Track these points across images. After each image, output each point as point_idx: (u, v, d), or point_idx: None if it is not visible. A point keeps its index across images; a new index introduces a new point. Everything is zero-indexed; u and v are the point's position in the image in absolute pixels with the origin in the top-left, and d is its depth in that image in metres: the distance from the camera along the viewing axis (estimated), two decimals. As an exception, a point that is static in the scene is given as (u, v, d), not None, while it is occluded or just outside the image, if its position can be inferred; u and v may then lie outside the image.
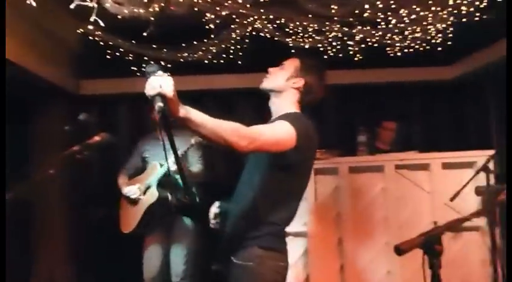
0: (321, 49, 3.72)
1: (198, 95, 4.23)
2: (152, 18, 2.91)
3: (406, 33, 3.53)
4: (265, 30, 3.46)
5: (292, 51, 3.49)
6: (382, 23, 3.45)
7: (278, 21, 3.43)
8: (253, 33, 3.55)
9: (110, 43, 3.49)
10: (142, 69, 3.74)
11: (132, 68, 3.74)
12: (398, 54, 3.75)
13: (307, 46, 3.62)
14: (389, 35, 3.55)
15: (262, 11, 3.25)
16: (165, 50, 3.63)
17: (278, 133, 1.65)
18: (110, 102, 4.52)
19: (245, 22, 3.38)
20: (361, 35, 3.54)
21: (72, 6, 2.61)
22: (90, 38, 3.39)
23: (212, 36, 3.51)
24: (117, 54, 3.61)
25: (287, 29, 3.52)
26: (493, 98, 4.14)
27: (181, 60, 3.69)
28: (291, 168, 1.69)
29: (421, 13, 3.28)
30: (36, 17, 3.39)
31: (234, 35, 3.52)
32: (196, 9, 3.10)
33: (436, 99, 4.75)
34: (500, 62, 3.91)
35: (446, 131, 4.71)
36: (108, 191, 4.16)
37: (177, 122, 1.44)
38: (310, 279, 3.06)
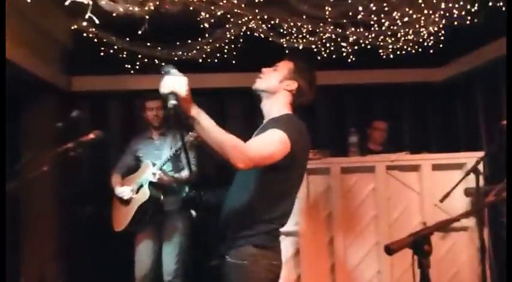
0: (315, 50, 3.75)
1: (191, 93, 4.24)
2: (147, 17, 2.91)
3: (399, 35, 3.58)
4: (259, 30, 3.48)
5: (286, 52, 3.51)
6: (375, 25, 3.49)
7: (272, 22, 3.45)
8: (247, 33, 3.56)
9: (104, 40, 3.48)
10: (137, 67, 3.74)
11: (125, 65, 3.73)
12: (391, 55, 3.79)
13: (300, 47, 3.64)
14: (382, 36, 3.59)
15: (256, 11, 3.27)
16: (159, 48, 3.63)
17: (273, 146, 1.67)
18: (102, 99, 4.50)
19: (239, 22, 3.39)
20: (354, 37, 3.57)
21: (66, 3, 2.60)
22: (84, 34, 3.38)
23: (206, 35, 3.52)
24: (111, 51, 3.60)
25: (281, 30, 3.54)
26: (482, 100, 4.20)
27: (175, 58, 3.69)
28: (285, 169, 1.70)
29: (414, 16, 3.33)
30: (29, 12, 3.37)
31: (228, 35, 3.53)
32: (191, 8, 3.10)
33: (427, 101, 4.81)
34: (490, 64, 3.98)
35: (436, 132, 4.77)
36: (98, 188, 4.16)
37: (187, 120, 1.51)
38: (302, 279, 3.08)
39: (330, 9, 3.22)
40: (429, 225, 1.47)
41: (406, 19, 3.37)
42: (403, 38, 3.60)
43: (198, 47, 3.64)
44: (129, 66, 3.74)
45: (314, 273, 3.09)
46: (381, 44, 3.67)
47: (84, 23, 3.11)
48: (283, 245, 1.95)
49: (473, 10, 3.31)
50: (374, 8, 3.27)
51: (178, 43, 3.61)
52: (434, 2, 3.22)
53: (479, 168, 2.87)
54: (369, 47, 3.71)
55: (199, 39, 3.57)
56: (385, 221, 3.14)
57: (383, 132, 4.10)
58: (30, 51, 3.51)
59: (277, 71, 1.92)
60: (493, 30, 3.72)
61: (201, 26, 3.36)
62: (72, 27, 3.31)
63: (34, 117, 3.97)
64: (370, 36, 3.56)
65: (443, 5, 3.25)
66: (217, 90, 4.35)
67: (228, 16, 3.33)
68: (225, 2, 3.13)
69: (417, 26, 3.46)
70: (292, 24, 3.45)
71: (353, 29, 3.49)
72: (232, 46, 3.71)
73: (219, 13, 3.21)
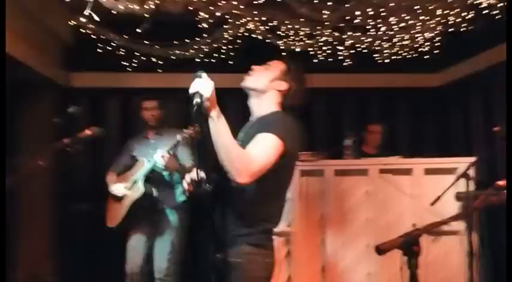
0: (312, 53, 3.79)
1: (188, 93, 4.26)
2: (146, 15, 2.93)
3: (395, 40, 3.62)
4: (258, 31, 3.51)
5: (283, 54, 3.53)
6: (372, 30, 3.53)
7: (270, 24, 3.48)
8: (246, 34, 3.59)
9: (102, 37, 3.50)
10: (134, 65, 3.76)
11: (124, 62, 3.74)
12: (387, 60, 3.83)
13: (298, 49, 3.68)
14: (378, 41, 3.63)
15: (255, 12, 3.30)
16: (157, 46, 3.64)
17: (270, 158, 1.69)
18: (100, 95, 4.51)
19: (238, 23, 3.42)
20: (351, 41, 3.61)
21: (67, -1, 2.61)
22: (83, 30, 3.40)
23: (205, 35, 3.54)
24: (109, 48, 3.61)
25: (279, 32, 3.57)
26: (476, 106, 4.25)
27: (173, 57, 3.71)
28: (279, 168, 1.73)
29: (410, 21, 3.37)
30: (29, 7, 3.37)
31: (226, 35, 3.56)
32: (190, 7, 3.12)
33: (421, 106, 4.85)
34: (485, 71, 4.04)
35: (430, 137, 4.81)
36: (93, 185, 4.17)
37: (207, 118, 1.63)
38: (292, 279, 3.11)
39: (328, 13, 3.26)
40: (419, 227, 1.50)
41: (402, 24, 3.41)
42: (399, 43, 3.64)
43: (196, 47, 3.66)
44: (127, 63, 3.75)
45: (305, 274, 3.12)
46: (378, 48, 3.71)
47: (84, 20, 3.13)
48: (275, 245, 1.97)
49: (468, 17, 3.35)
50: (371, 13, 3.31)
51: (176, 42, 3.63)
52: (430, 9, 3.27)
53: (470, 174, 2.91)
54: (365, 51, 3.75)
55: (198, 39, 3.59)
56: (377, 224, 3.17)
57: (378, 136, 4.13)
58: (29, 46, 3.52)
59: (269, 71, 1.92)
60: (488, 37, 3.78)
61: (200, 26, 3.39)
62: (72, 23, 3.32)
63: (32, 112, 3.97)
64: (366, 40, 3.60)
65: (439, 12, 3.30)
66: (215, 90, 4.36)
67: (227, 17, 3.36)
68: (224, 2, 3.16)
69: (413, 31, 3.50)
70: (290, 26, 3.48)
71: (350, 33, 3.52)
72: (230, 47, 3.74)
73: (218, 13, 3.24)
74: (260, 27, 3.47)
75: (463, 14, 3.32)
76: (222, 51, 3.77)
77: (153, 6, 2.95)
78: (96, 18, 2.80)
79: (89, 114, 4.25)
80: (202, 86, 1.62)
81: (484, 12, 3.23)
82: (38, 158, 2.05)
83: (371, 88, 4.70)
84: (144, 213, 3.28)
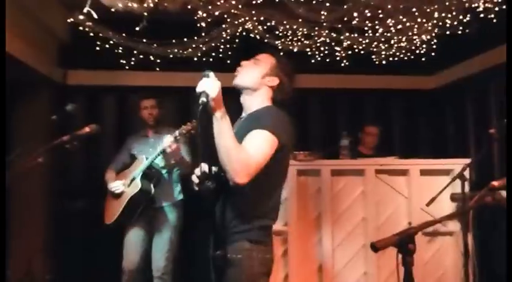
0: (309, 53, 3.80)
1: (185, 92, 4.27)
2: (145, 14, 2.93)
3: (392, 42, 3.64)
4: (256, 31, 3.52)
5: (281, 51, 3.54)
6: (369, 31, 3.55)
7: (268, 23, 3.49)
8: (244, 33, 3.60)
9: (100, 34, 3.49)
10: (132, 63, 3.76)
11: (121, 60, 3.74)
12: (384, 62, 3.85)
13: (295, 49, 3.69)
14: (375, 43, 3.65)
15: (253, 12, 3.31)
16: (155, 45, 3.64)
17: (266, 155, 1.70)
18: (97, 93, 4.50)
19: (236, 22, 3.43)
20: (349, 42, 3.63)
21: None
22: (80, 28, 3.39)
23: (203, 34, 3.54)
24: (107, 46, 3.60)
25: (277, 32, 3.58)
26: (471, 109, 4.28)
27: (171, 56, 3.71)
28: (275, 162, 1.74)
29: (407, 24, 3.39)
30: (26, 3, 3.37)
31: (224, 34, 3.56)
32: (188, 6, 3.13)
33: (417, 107, 4.89)
34: (480, 74, 4.07)
35: (425, 139, 4.85)
36: (90, 182, 4.16)
37: (212, 117, 1.65)
38: (289, 278, 3.12)
39: (326, 13, 3.27)
40: (414, 225, 1.51)
41: (399, 27, 3.43)
42: (396, 45, 3.66)
43: (194, 46, 3.66)
44: (124, 61, 3.75)
45: (302, 273, 3.13)
46: (374, 50, 3.73)
47: (81, 17, 3.12)
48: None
49: (465, 21, 3.38)
50: (369, 15, 3.33)
51: (174, 41, 3.63)
52: (427, 11, 3.29)
53: (465, 175, 2.94)
54: (362, 52, 3.77)
55: (196, 37, 3.60)
56: (373, 224, 3.19)
57: (375, 137, 4.16)
58: (26, 43, 3.51)
59: (259, 66, 1.90)
60: (483, 41, 3.81)
61: (198, 25, 3.39)
62: (70, 21, 3.32)
63: (28, 109, 3.96)
64: (364, 42, 3.62)
65: (436, 15, 3.32)
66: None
67: (225, 16, 3.37)
68: (222, 2, 3.16)
69: (410, 33, 3.53)
70: (288, 26, 3.49)
71: (347, 34, 3.54)
72: (228, 46, 3.74)
73: (216, 13, 3.25)
74: (258, 27, 3.48)
75: (459, 17, 3.36)
76: (219, 50, 3.77)
77: (152, 5, 2.96)
78: (95, 15, 2.80)
79: (85, 112, 4.25)
80: (209, 85, 1.63)
81: (480, 15, 3.26)
82: (36, 155, 2.05)
83: (368, 89, 4.72)
84: (141, 210, 3.27)
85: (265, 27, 3.52)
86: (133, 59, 3.70)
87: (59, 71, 4.27)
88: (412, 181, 3.26)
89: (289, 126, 1.82)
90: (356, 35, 3.56)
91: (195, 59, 3.77)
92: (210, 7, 3.19)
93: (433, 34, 3.57)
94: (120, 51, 3.66)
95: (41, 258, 3.87)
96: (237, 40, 3.66)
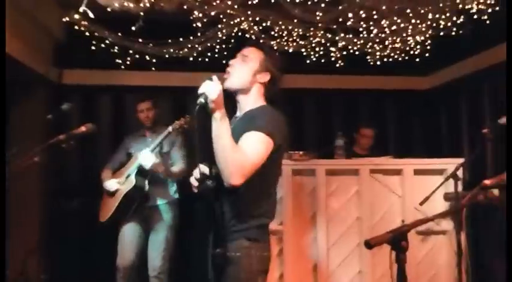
0: (304, 54, 3.83)
1: (181, 91, 4.28)
2: (141, 13, 2.94)
3: (386, 43, 3.67)
4: (251, 31, 3.54)
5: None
6: (364, 32, 3.58)
7: (264, 24, 3.51)
8: (239, 33, 3.61)
9: (96, 34, 3.50)
10: (127, 62, 3.76)
11: (117, 60, 3.74)
12: (378, 62, 3.88)
13: (291, 50, 3.71)
14: (370, 43, 3.68)
15: (249, 12, 3.33)
16: (151, 44, 3.65)
17: (258, 155, 1.71)
18: (93, 93, 4.50)
19: (232, 22, 3.45)
20: (344, 43, 3.65)
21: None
22: (76, 27, 3.39)
23: (198, 34, 3.56)
24: (102, 45, 3.61)
25: (272, 32, 3.61)
26: (465, 109, 4.33)
27: (167, 56, 3.72)
28: (271, 162, 1.76)
29: (402, 25, 3.43)
30: (22, 3, 3.36)
31: (220, 35, 3.58)
32: (184, 6, 3.14)
33: (411, 108, 4.93)
34: (473, 75, 4.11)
35: (419, 138, 4.89)
36: (86, 181, 4.16)
37: (211, 118, 1.67)
38: (284, 277, 3.13)
39: (321, 14, 3.30)
40: (407, 223, 1.54)
41: (394, 28, 3.47)
42: (390, 46, 3.70)
43: (189, 46, 3.67)
44: (120, 61, 3.75)
45: (297, 272, 3.15)
46: (369, 50, 3.76)
47: (77, 16, 3.13)
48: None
49: (458, 22, 3.42)
50: (363, 16, 3.36)
51: (170, 41, 3.64)
52: (422, 13, 3.33)
53: (458, 174, 2.97)
54: (357, 53, 3.80)
55: (191, 37, 3.61)
56: (368, 223, 3.21)
57: (370, 139, 4.18)
58: (21, 43, 3.50)
59: (248, 63, 1.86)
60: (477, 42, 3.86)
61: (194, 25, 3.40)
62: (65, 20, 3.32)
63: (24, 109, 3.95)
64: (358, 42, 3.65)
65: (430, 16, 3.36)
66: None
67: (221, 16, 3.38)
68: (218, 2, 3.18)
69: (404, 34, 3.56)
70: (283, 27, 3.52)
71: (342, 34, 3.57)
72: (224, 46, 3.76)
73: (212, 13, 3.26)
74: (253, 27, 3.50)
75: (453, 19, 3.39)
76: (215, 50, 3.79)
77: (148, 5, 2.97)
78: (91, 15, 2.80)
79: (81, 111, 4.25)
80: (210, 88, 1.65)
81: (474, 17, 3.30)
82: (32, 154, 2.05)
83: (362, 89, 4.76)
84: (136, 207, 3.27)
85: (260, 27, 3.54)
86: (129, 58, 3.71)
87: (55, 71, 4.26)
88: (406, 181, 3.29)
89: (284, 125, 1.83)
90: (351, 35, 3.59)
91: (191, 59, 3.78)
92: (205, 7, 3.20)
93: (427, 35, 3.60)
94: (115, 50, 3.67)
95: (36, 258, 3.86)
96: (232, 40, 3.67)
